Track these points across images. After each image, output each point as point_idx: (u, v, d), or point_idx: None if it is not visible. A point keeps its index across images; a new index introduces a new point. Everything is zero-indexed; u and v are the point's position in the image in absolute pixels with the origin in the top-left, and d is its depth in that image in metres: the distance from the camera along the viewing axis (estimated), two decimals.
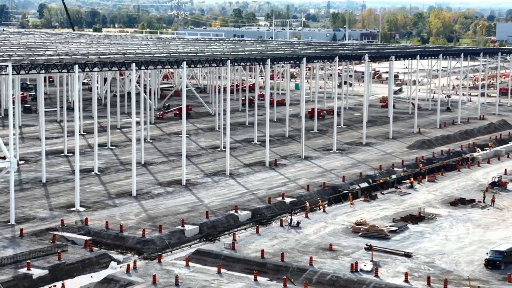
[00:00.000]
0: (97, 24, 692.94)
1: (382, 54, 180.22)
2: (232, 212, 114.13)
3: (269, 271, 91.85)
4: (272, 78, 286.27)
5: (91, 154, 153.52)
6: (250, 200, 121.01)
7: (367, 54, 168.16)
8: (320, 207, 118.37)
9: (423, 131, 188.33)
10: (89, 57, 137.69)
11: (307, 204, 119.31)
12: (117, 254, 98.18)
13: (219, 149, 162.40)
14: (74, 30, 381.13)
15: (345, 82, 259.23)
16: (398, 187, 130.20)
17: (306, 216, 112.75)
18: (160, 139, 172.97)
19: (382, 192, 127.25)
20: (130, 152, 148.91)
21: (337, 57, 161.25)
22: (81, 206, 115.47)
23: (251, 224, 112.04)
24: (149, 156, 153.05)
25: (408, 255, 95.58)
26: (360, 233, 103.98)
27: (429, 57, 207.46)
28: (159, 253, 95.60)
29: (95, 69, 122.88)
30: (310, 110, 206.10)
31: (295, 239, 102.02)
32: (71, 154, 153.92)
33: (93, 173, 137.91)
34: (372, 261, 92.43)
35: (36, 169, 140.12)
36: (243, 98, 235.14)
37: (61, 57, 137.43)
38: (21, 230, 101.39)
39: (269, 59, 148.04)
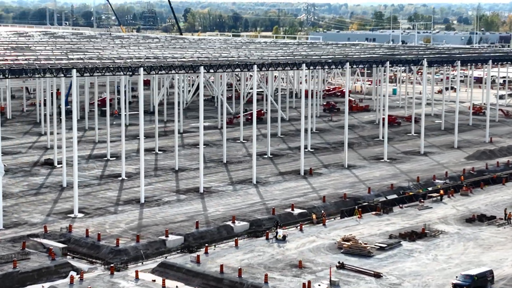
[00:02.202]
0: (239, 28, 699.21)
1: (445, 59, 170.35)
2: (229, 222, 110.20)
3: (224, 287, 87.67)
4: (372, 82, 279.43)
5: (134, 158, 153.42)
6: (256, 210, 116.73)
7: (425, 59, 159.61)
8: (324, 219, 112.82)
9: (496, 140, 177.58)
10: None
11: (314, 216, 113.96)
12: (85, 264, 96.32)
13: (266, 156, 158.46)
14: (181, 34, 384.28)
15: (447, 88, 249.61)
16: (422, 200, 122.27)
17: (300, 229, 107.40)
18: (213, 145, 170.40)
19: (401, 206, 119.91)
20: (173, 157, 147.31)
21: (388, 62, 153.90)
22: (81, 212, 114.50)
23: (245, 235, 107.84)
24: (188, 162, 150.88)
25: (377, 275, 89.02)
26: (342, 250, 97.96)
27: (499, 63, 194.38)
28: (111, 265, 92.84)
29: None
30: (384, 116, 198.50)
31: (270, 254, 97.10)
32: (114, 158, 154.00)
33: (120, 178, 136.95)
34: (330, 280, 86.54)
35: (68, 173, 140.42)
36: (324, 103, 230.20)
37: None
38: None
39: (305, 64, 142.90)
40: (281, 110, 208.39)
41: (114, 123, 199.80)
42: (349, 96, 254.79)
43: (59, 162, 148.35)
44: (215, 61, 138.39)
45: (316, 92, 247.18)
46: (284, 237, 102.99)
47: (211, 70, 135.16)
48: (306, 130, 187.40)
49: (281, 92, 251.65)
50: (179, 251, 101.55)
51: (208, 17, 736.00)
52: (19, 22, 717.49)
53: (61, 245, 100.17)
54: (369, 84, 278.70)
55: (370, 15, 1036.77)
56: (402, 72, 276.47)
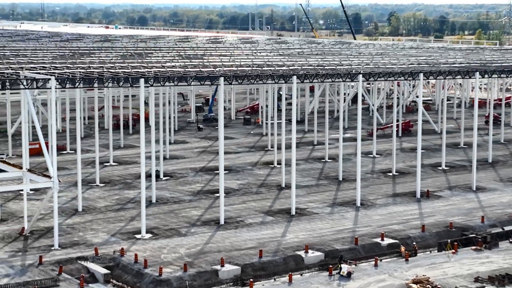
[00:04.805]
0: (444, 32, 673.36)
1: None
2: (301, 252, 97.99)
3: None
4: None
5: (246, 172, 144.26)
6: (340, 238, 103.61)
7: None
8: (415, 252, 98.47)
9: None
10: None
11: (402, 249, 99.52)
12: None
13: (391, 173, 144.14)
14: (355, 38, 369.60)
15: None
16: None
17: (375, 265, 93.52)
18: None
19: (511, 241, 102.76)
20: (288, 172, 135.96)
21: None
22: (150, 232, 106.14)
23: (316, 268, 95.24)
24: (300, 179, 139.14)
25: None
26: None
27: None
28: None
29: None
30: None
31: None
32: (226, 172, 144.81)
33: (217, 195, 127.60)
34: None
35: (165, 187, 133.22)
36: (486, 115, 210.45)
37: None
38: (40, 257, 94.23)
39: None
40: (433, 121, 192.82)
41: (252, 132, 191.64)
42: None
43: (166, 174, 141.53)
44: (374, 69, 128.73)
45: (484, 102, 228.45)
46: (349, 274, 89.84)
47: (371, 78, 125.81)
48: (456, 144, 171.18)
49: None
50: (231, 283, 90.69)
51: (412, 21, 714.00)
52: (227, 27, 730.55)
53: (104, 271, 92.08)
54: None
55: None
56: None
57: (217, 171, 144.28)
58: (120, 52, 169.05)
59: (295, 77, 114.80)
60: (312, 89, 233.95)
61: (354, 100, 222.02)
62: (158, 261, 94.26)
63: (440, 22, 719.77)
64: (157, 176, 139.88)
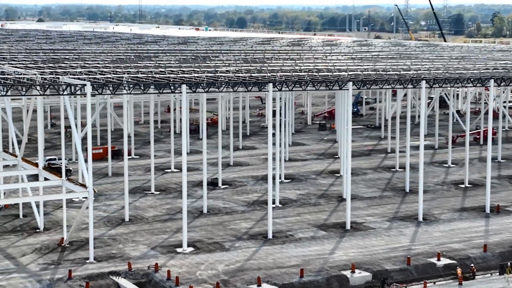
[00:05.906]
0: None
1: None
2: (346, 272, 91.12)
3: None
4: None
5: (309, 182, 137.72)
6: (392, 257, 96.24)
7: None
8: (472, 275, 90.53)
9: None
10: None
11: (458, 271, 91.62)
12: None
13: (463, 185, 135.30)
14: (445, 40, 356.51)
15: None
16: None
17: None
18: (411, 168, 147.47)
19: None
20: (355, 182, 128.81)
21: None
22: (193, 246, 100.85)
23: None
24: (364, 189, 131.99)
25: None
26: None
27: None
28: None
29: None
30: None
31: None
32: (288, 181, 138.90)
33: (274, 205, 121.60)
34: None
35: (220, 196, 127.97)
36: None
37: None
38: (70, 271, 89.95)
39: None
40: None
41: (325, 138, 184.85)
42: None
43: (225, 183, 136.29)
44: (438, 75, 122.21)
45: None
46: None
47: (435, 85, 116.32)
48: None
49: None
50: None
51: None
52: (325, 29, 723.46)
53: None
54: None
55: None
56: None
57: (279, 180, 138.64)
58: (186, 55, 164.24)
59: (350, 83, 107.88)
60: (395, 93, 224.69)
61: (442, 105, 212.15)
62: (192, 278, 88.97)
63: None
64: (216, 184, 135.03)
